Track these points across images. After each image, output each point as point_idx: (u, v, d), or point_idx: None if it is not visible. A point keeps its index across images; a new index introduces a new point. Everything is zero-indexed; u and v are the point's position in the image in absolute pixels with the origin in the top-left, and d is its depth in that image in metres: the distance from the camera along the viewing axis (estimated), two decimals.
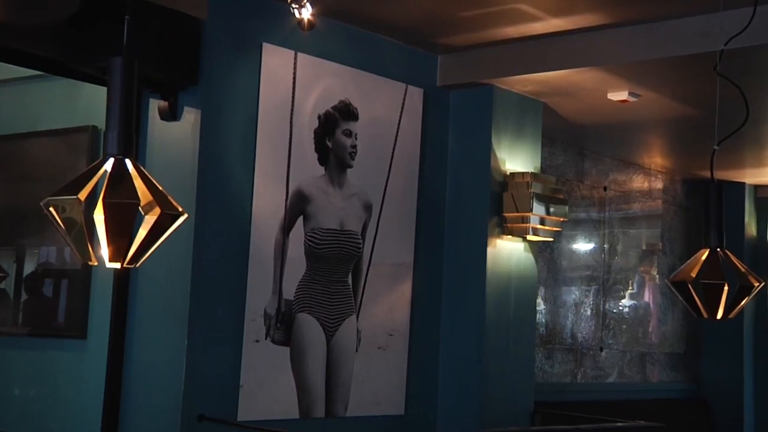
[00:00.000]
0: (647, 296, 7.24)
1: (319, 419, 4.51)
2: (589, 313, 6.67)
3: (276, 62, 4.40)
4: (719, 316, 3.00)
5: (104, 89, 2.24)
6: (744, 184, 7.52)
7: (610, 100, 5.18)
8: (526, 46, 4.83)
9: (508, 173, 5.16)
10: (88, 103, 4.62)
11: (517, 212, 5.06)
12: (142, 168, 2.21)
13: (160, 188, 2.20)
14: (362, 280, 4.75)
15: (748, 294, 3.04)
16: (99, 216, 2.10)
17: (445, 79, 5.17)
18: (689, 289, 3.01)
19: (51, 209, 2.12)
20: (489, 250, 5.06)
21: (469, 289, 5.07)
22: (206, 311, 4.12)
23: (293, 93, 4.46)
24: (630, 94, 5.08)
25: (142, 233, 2.16)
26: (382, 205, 4.85)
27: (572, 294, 6.55)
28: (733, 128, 3.23)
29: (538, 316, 6.04)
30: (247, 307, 4.26)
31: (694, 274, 3.01)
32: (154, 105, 4.23)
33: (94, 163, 2.20)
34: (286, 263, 4.40)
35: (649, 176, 7.25)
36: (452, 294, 5.13)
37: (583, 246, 6.69)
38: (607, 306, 6.82)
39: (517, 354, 5.18)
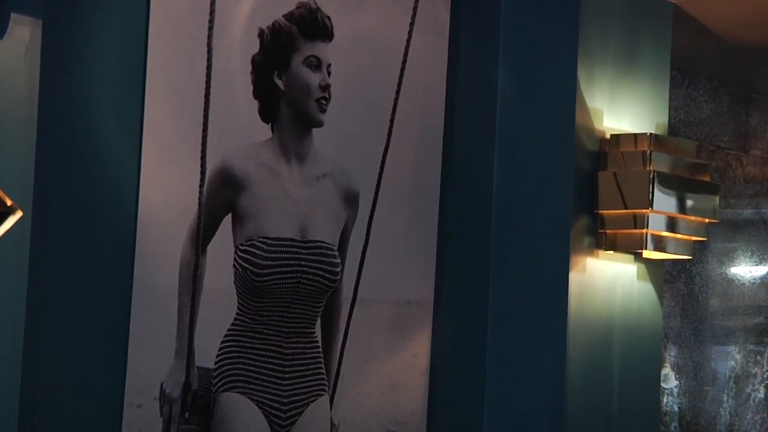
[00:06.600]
0: None
1: None
2: (761, 393, 6.70)
3: None
4: None
5: None
6: None
7: None
8: None
9: (607, 136, 5.20)
10: None
11: (626, 208, 5.09)
12: None
13: None
14: (341, 332, 4.79)
15: None
16: None
17: None
18: None
19: None
20: (572, 276, 5.09)
21: (537, 346, 5.12)
22: (52, 390, 4.15)
23: None
24: None
25: None
26: (377, 195, 4.89)
27: (729, 358, 6.56)
28: None
29: (665, 397, 6.07)
30: (128, 382, 4.28)
31: None
32: None
33: None
34: (202, 301, 4.44)
35: None
36: (505, 356, 5.17)
37: (748, 270, 6.71)
38: None
39: None
